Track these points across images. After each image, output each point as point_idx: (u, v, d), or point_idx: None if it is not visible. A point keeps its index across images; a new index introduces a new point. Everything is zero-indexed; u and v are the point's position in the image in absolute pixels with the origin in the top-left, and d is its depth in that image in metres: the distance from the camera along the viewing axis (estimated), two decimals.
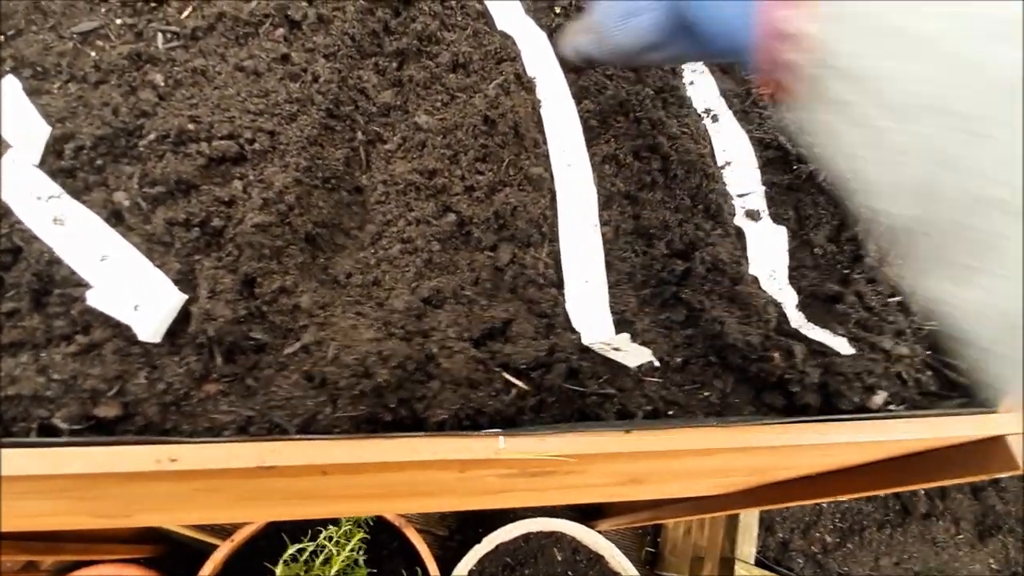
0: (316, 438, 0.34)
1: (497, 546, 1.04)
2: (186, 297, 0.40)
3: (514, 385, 0.40)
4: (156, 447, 0.32)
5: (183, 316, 0.40)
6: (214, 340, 0.38)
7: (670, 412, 0.42)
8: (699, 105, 0.61)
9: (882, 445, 0.43)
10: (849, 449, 0.40)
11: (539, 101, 0.56)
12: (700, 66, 0.63)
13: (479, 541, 1.01)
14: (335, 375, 0.37)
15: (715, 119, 0.60)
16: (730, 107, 0.61)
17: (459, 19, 0.59)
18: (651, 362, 0.39)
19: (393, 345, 0.38)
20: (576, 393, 0.40)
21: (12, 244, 0.40)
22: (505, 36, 0.58)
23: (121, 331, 0.39)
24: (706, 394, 0.43)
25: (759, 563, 1.08)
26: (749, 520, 1.07)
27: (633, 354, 0.38)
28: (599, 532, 1.07)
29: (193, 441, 0.33)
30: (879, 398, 0.40)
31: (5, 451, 0.31)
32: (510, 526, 1.04)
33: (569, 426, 0.36)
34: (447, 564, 0.95)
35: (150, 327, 0.38)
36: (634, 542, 1.30)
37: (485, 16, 0.59)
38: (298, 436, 0.34)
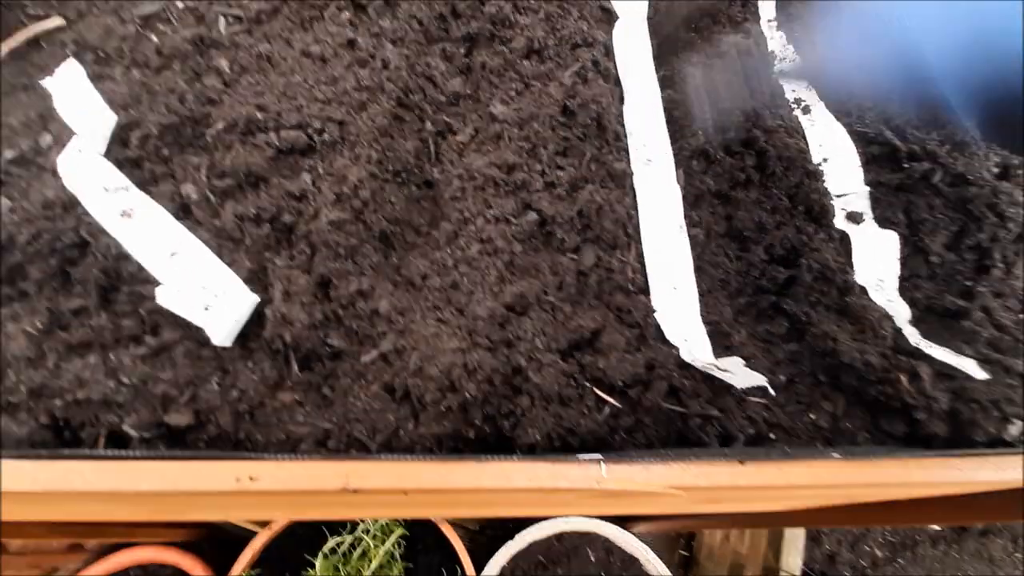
0: (402, 458, 0.31)
1: (530, 544, 1.01)
2: (258, 299, 0.37)
3: (606, 402, 0.37)
4: (235, 463, 0.30)
5: (254, 318, 0.37)
6: (290, 346, 0.36)
7: (772, 435, 0.38)
8: (788, 95, 0.56)
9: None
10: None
11: (622, 91, 0.52)
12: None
13: (511, 537, 0.98)
14: (419, 388, 0.35)
15: (806, 110, 0.55)
16: (820, 98, 0.56)
17: (532, 1, 0.55)
18: (764, 387, 0.36)
19: (479, 356, 0.35)
20: (676, 413, 0.36)
21: (79, 238, 0.38)
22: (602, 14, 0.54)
23: (191, 333, 0.37)
24: (813, 417, 0.39)
25: None
26: (795, 530, 1.03)
27: (742, 376, 0.35)
28: (633, 534, 1.04)
29: (274, 458, 0.30)
30: (1016, 428, 0.36)
31: (75, 464, 0.29)
32: (543, 524, 1.01)
33: (675, 453, 0.33)
34: (477, 558, 0.93)
35: (223, 330, 0.36)
36: (666, 545, 1.26)
37: None
38: (382, 456, 0.31)
